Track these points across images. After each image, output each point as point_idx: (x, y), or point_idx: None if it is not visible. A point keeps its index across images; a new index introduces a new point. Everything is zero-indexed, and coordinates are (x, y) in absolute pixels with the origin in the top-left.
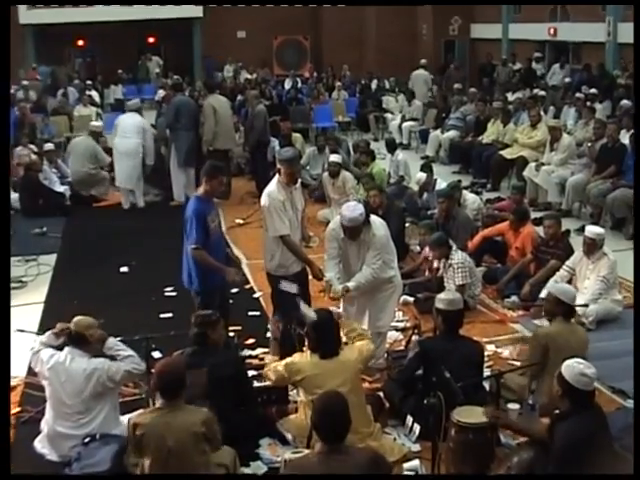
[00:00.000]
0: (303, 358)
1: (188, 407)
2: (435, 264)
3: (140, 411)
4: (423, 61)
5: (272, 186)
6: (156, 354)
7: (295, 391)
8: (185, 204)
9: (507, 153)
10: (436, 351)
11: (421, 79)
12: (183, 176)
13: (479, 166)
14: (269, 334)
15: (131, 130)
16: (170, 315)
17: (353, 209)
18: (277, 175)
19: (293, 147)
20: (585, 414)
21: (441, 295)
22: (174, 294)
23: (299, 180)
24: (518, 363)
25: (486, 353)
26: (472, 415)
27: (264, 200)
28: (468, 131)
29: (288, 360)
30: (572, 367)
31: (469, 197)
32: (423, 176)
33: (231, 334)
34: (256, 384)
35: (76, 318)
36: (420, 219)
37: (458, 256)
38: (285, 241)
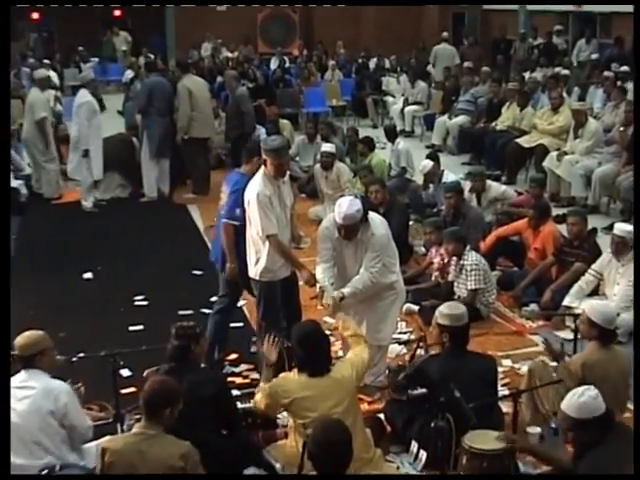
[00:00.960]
0: (290, 378)
1: (168, 437)
2: (438, 259)
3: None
4: (445, 34)
5: (257, 180)
6: (125, 372)
7: (285, 413)
8: (158, 200)
9: (525, 141)
10: (442, 372)
11: (446, 55)
12: (156, 168)
13: (493, 156)
14: (253, 348)
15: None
16: (141, 327)
17: (349, 205)
18: (263, 167)
19: (280, 135)
20: (611, 441)
21: (443, 309)
22: (145, 303)
23: (288, 173)
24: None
25: (501, 369)
26: (486, 440)
27: (248, 196)
28: (480, 116)
29: (273, 382)
30: (569, 402)
31: (494, 185)
32: (428, 163)
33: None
34: (240, 405)
35: (18, 339)
36: (425, 216)
37: (472, 257)
38: (273, 242)
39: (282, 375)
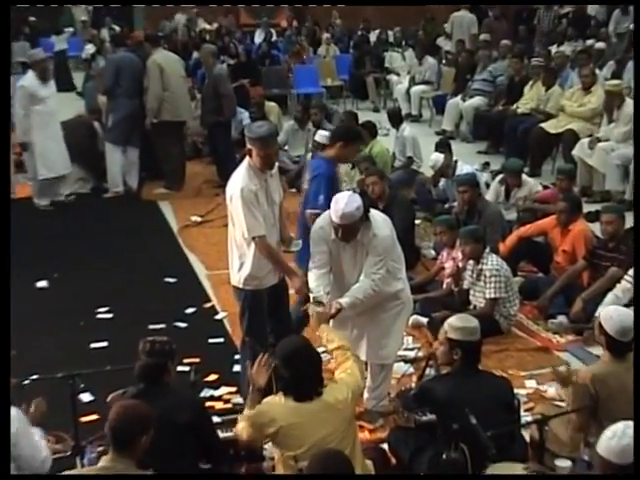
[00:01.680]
0: (275, 403)
1: (140, 472)
2: (450, 264)
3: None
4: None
5: (241, 173)
6: (85, 397)
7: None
8: (124, 195)
9: (551, 126)
10: (452, 394)
11: (465, 23)
12: (122, 158)
13: (513, 143)
14: (237, 367)
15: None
16: (104, 344)
17: (347, 201)
18: (247, 158)
19: (267, 121)
20: None
21: (454, 322)
22: (109, 316)
23: (276, 164)
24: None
25: (524, 391)
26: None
27: (231, 191)
28: (498, 97)
29: (257, 408)
30: (607, 446)
31: (531, 182)
32: (439, 158)
33: (185, 368)
34: (221, 435)
35: None
36: (435, 214)
37: (492, 261)
38: (259, 244)
39: (266, 400)
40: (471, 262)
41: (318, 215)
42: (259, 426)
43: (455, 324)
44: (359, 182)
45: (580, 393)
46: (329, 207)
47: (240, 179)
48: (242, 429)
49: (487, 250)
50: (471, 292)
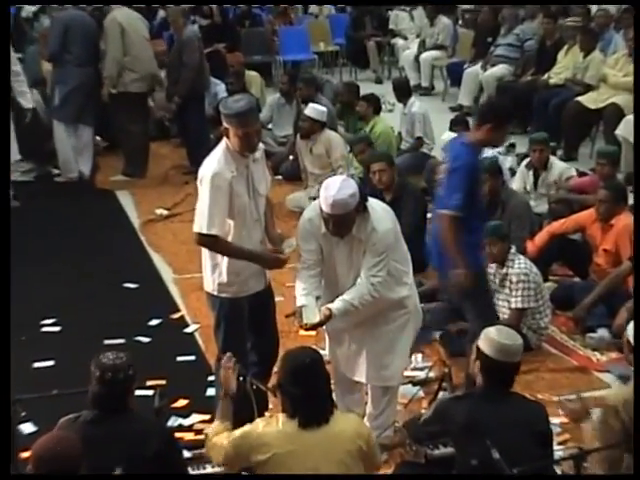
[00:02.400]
0: (272, 426)
1: None
2: None
3: None
4: None
5: (217, 156)
6: (27, 427)
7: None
8: (76, 183)
9: (590, 100)
10: (471, 421)
11: None
12: (72, 138)
13: (544, 121)
14: (211, 391)
15: None
16: (50, 363)
17: (339, 187)
18: (224, 139)
19: (247, 93)
20: None
21: (494, 334)
22: (57, 329)
23: (261, 147)
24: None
25: (558, 420)
26: None
27: (202, 174)
28: (527, 65)
29: (246, 428)
30: None
31: (558, 164)
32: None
33: (149, 392)
34: (192, 472)
35: None
36: None
37: (519, 263)
38: (209, 246)
39: (260, 421)
40: (493, 265)
41: (455, 217)
42: (247, 450)
43: (492, 335)
44: (362, 166)
45: (611, 424)
46: (468, 208)
47: (215, 162)
48: (217, 449)
49: (513, 250)
50: (494, 300)
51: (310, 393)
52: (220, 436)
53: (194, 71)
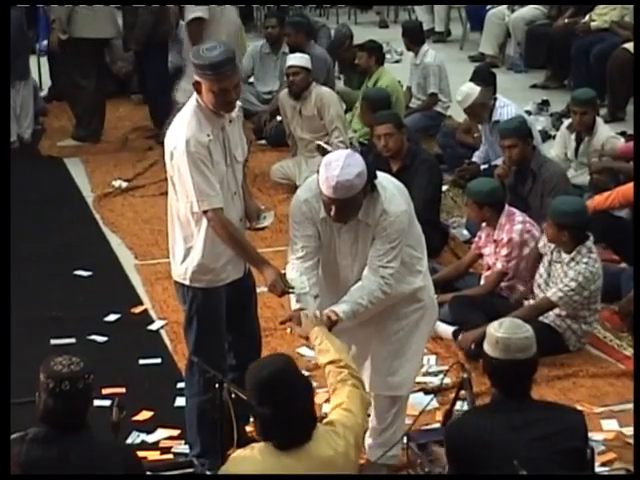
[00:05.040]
0: (247, 458)
1: None
2: (491, 249)
3: None
4: None
5: (186, 117)
6: None
7: None
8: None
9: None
10: (489, 438)
11: None
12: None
13: (584, 73)
14: (181, 401)
15: None
16: None
17: (343, 164)
18: (195, 96)
19: (222, 41)
20: None
21: (492, 328)
22: None
23: (238, 104)
24: None
25: (601, 436)
26: None
27: (172, 144)
28: (562, 6)
29: (223, 469)
30: None
31: (602, 128)
32: (473, 96)
33: (105, 403)
34: None
35: None
36: (469, 177)
37: (588, 263)
38: (215, 220)
39: (236, 456)
40: (549, 246)
41: None
42: None
43: (492, 333)
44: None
45: None
46: None
47: (185, 126)
48: None
49: (589, 243)
50: (536, 292)
51: (280, 413)
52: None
53: (154, 12)
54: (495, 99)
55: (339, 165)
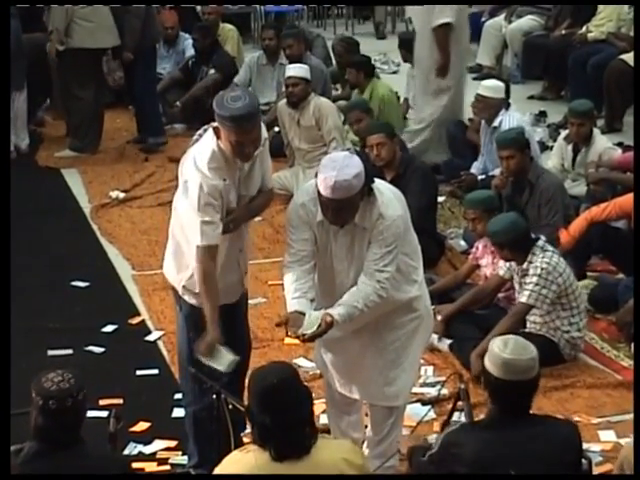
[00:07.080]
0: (242, 463)
1: None
2: (488, 259)
3: None
4: None
5: (205, 155)
6: None
7: None
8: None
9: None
10: (485, 454)
11: None
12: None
13: (581, 84)
14: (178, 412)
15: None
16: None
17: (341, 165)
18: (211, 132)
19: (223, 51)
20: None
21: (497, 347)
22: None
23: (265, 140)
24: None
25: (598, 447)
26: None
27: (188, 174)
28: (560, 16)
29: (216, 470)
30: None
31: (600, 139)
32: (502, 89)
33: (102, 414)
34: None
35: None
36: (467, 188)
37: (545, 257)
38: (201, 257)
39: (229, 459)
40: (512, 263)
41: None
42: None
43: (498, 353)
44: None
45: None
46: None
47: (204, 165)
48: None
49: (540, 242)
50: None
51: (280, 421)
52: None
53: (140, 18)
54: (509, 105)
55: (337, 165)
